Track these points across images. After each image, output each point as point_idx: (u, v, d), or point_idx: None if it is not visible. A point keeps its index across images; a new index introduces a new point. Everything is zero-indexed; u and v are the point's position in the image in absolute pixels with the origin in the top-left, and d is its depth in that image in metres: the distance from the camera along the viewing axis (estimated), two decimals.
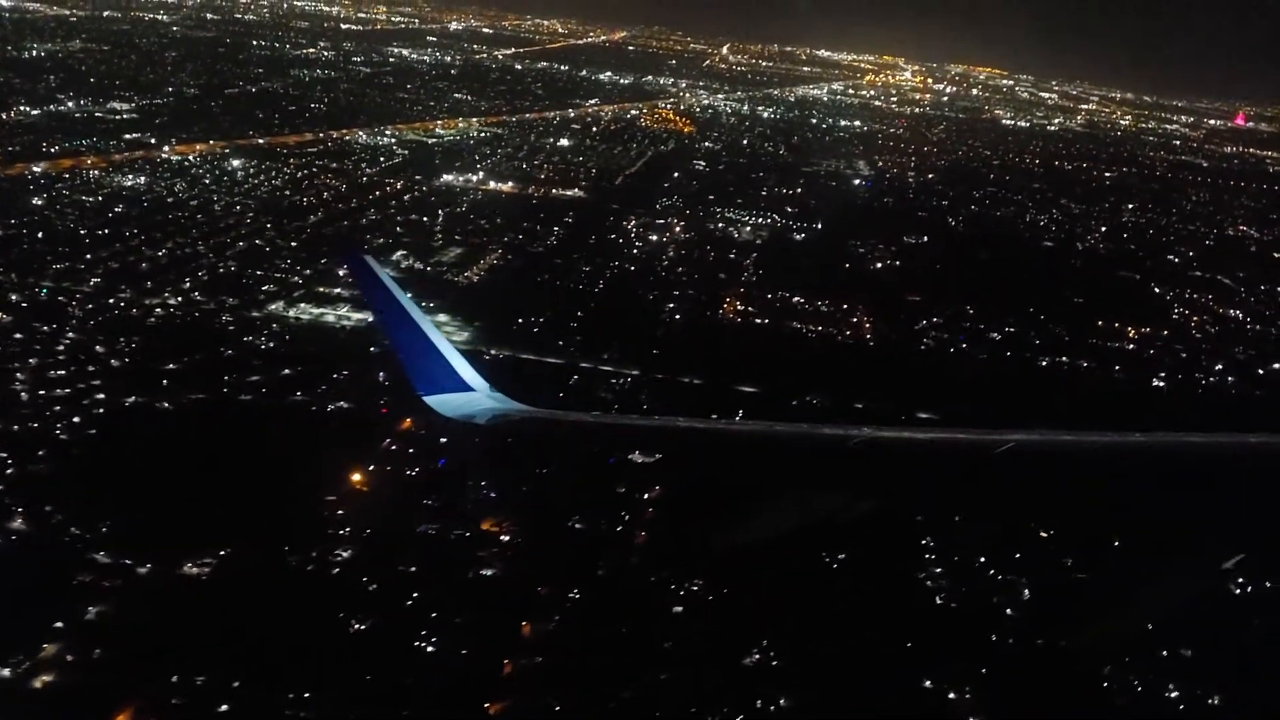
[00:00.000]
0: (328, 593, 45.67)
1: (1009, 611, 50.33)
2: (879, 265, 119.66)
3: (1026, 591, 51.23)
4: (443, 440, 60.88)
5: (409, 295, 15.22)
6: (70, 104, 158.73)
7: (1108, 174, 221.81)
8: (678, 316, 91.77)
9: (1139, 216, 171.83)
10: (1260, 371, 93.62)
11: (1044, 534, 50.47)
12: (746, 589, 49.76)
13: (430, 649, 42.88)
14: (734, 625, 47.31)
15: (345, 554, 48.72)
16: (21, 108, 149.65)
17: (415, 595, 45.99)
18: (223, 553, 46.69)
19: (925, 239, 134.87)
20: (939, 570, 52.88)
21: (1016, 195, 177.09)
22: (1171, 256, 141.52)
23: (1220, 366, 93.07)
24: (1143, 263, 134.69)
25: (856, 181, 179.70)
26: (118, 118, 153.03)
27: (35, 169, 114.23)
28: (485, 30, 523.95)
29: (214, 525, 48.55)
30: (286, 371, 68.72)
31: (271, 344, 73.86)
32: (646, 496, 58.57)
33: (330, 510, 51.92)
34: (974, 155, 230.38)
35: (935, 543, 56.22)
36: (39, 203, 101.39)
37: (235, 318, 77.90)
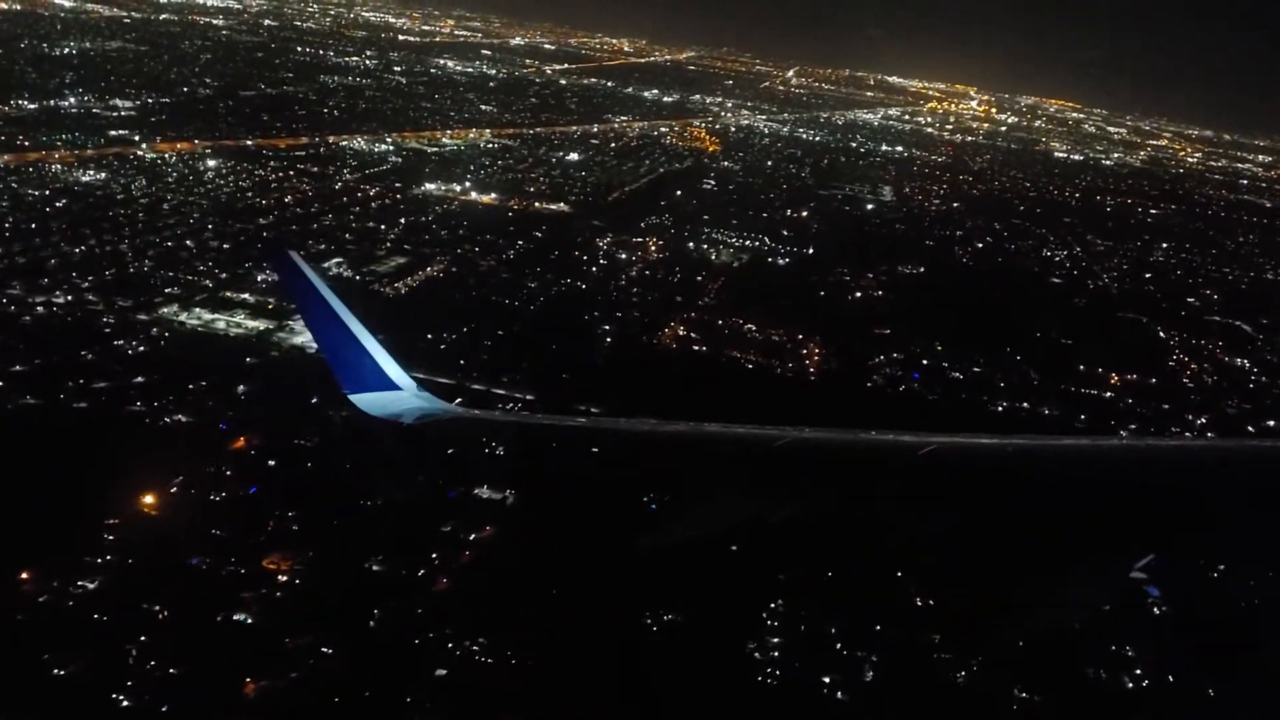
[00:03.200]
0: (44, 626, 40.91)
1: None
2: (857, 295, 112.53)
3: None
4: (269, 463, 56.73)
5: (336, 293, 14.72)
6: (72, 100, 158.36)
7: (1152, 211, 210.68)
8: (608, 340, 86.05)
9: (1170, 256, 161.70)
10: (1249, 428, 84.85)
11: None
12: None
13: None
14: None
15: (88, 584, 43.89)
16: (21, 102, 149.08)
17: (143, 639, 40.91)
18: None
19: (921, 270, 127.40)
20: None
21: (1040, 229, 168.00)
22: (1192, 299, 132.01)
23: (1203, 421, 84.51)
24: (1156, 305, 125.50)
25: (871, 207, 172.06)
26: (113, 115, 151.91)
27: None
28: (547, 46, 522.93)
29: None
30: (139, 380, 64.58)
31: (141, 349, 69.83)
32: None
33: (96, 534, 47.16)
34: (1011, 186, 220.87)
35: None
36: None
37: (117, 320, 74.06)
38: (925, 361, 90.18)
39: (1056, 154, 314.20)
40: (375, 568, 47.99)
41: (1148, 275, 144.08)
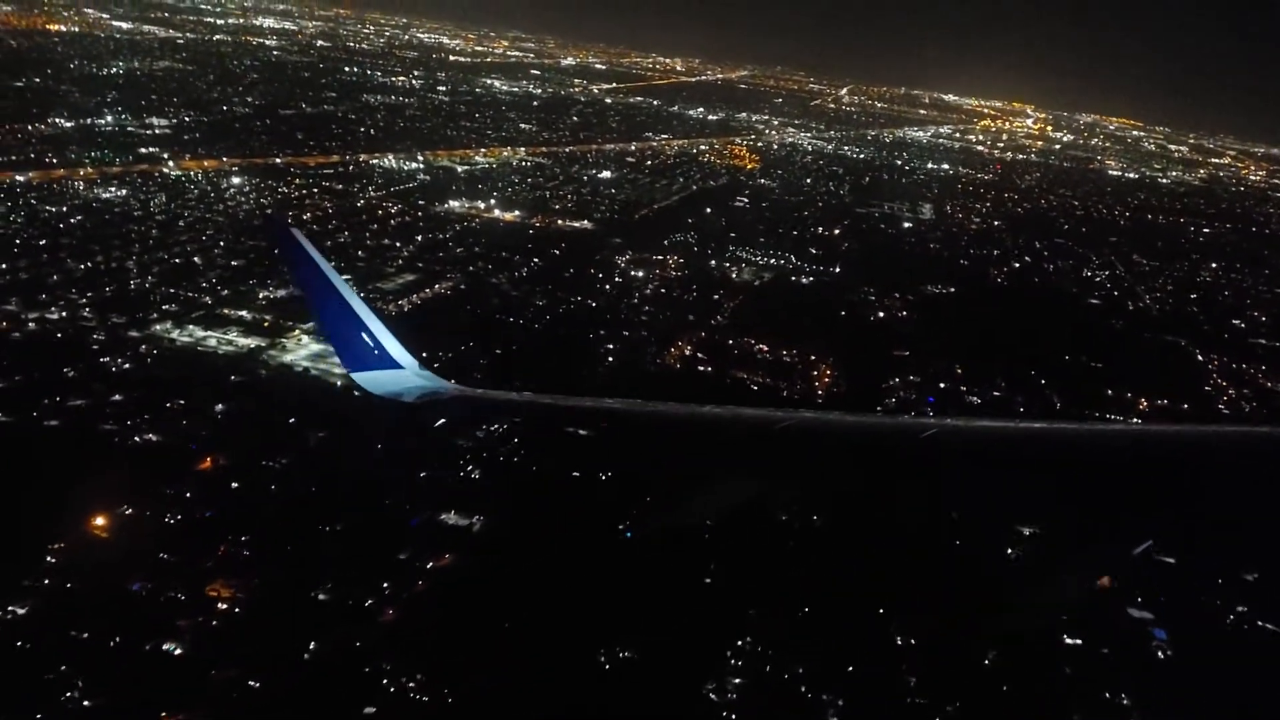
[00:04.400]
0: None
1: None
2: (880, 315, 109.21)
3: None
4: (232, 486, 55.22)
5: (335, 268, 14.58)
6: (109, 118, 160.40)
7: (1205, 230, 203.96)
8: (610, 359, 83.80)
9: (1219, 277, 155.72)
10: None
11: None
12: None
13: None
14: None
15: (18, 609, 42.50)
16: (58, 120, 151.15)
17: (62, 668, 39.34)
18: None
19: (952, 289, 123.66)
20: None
21: (1083, 248, 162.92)
22: (1237, 321, 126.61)
23: None
24: (1198, 327, 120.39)
25: (908, 225, 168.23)
26: (148, 133, 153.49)
27: (21, 178, 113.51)
28: (598, 66, 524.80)
29: None
30: (117, 398, 63.57)
31: (125, 366, 68.94)
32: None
33: (38, 557, 45.83)
34: (1057, 205, 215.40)
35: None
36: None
37: (108, 337, 73.37)
38: (942, 385, 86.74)
39: (1110, 172, 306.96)
40: (322, 597, 46.11)
41: (1192, 296, 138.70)
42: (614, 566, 50.20)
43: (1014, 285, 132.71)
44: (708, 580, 50.20)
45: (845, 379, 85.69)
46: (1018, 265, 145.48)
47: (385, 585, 47.49)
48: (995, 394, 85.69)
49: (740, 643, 45.88)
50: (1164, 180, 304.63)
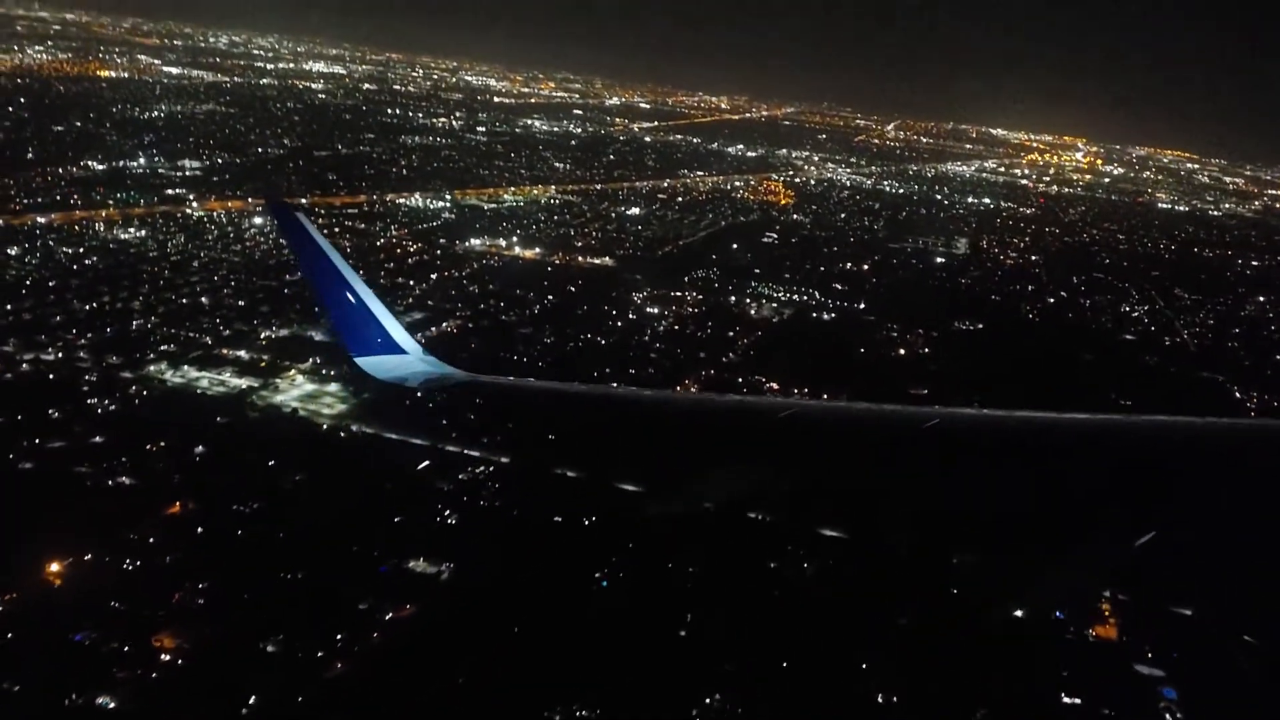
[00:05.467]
0: None
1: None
2: (900, 352, 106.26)
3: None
4: (196, 531, 53.89)
5: (338, 251, 14.56)
6: (142, 160, 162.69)
7: (1254, 264, 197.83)
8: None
9: (1265, 312, 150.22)
10: None
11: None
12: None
13: None
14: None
15: None
16: (91, 163, 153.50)
17: None
18: None
19: (979, 326, 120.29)
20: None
21: (1123, 283, 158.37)
22: None
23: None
24: (1239, 363, 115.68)
25: (940, 260, 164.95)
26: (177, 175, 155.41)
27: (43, 220, 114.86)
28: (642, 105, 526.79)
29: None
30: (97, 439, 62.87)
31: (112, 408, 68.21)
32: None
33: None
34: (1100, 239, 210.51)
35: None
36: (12, 251, 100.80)
37: (100, 378, 72.89)
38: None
39: (1160, 205, 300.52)
40: (270, 649, 44.40)
41: (1234, 331, 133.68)
42: (586, 624, 48.31)
43: (1044, 321, 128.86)
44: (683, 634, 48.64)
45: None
46: (1051, 300, 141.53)
47: (339, 636, 45.73)
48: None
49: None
50: (1215, 213, 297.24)
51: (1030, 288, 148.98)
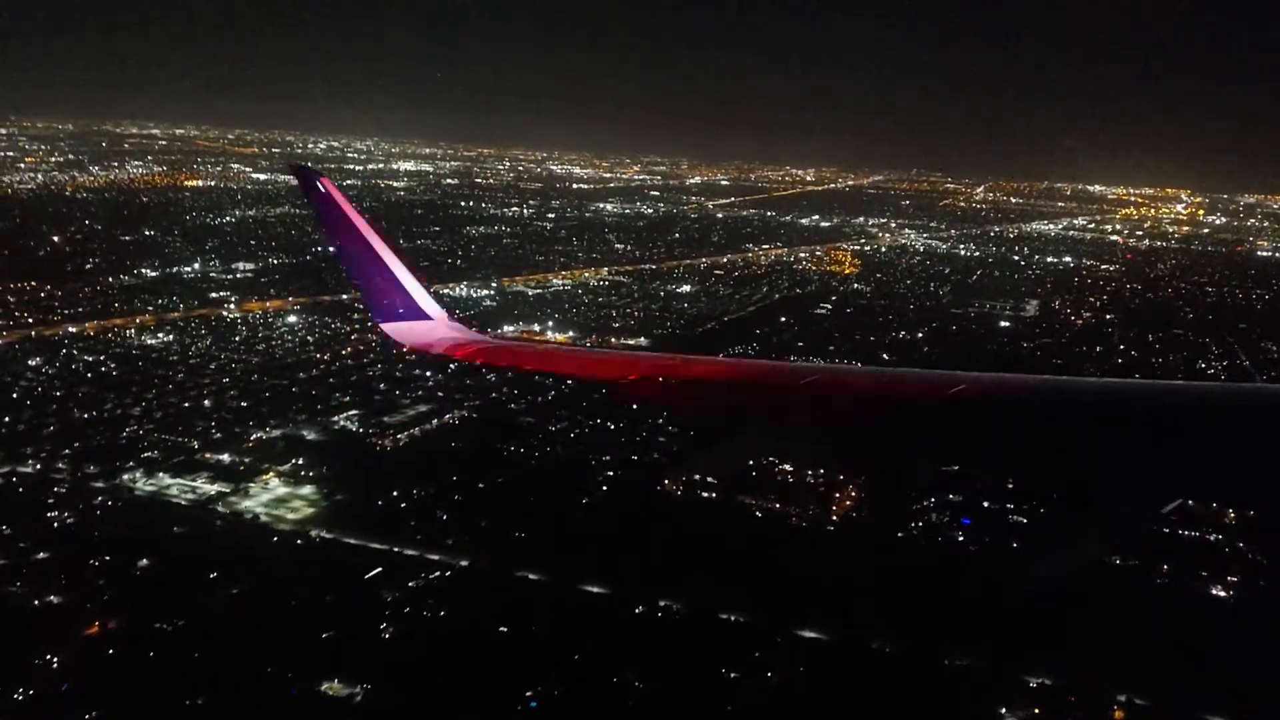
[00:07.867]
0: None
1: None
2: None
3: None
4: (108, 653, 50.88)
5: (368, 220, 15.12)
6: (197, 266, 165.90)
7: None
8: (603, 487, 77.54)
9: None
10: None
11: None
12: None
13: None
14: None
15: None
16: (145, 270, 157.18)
17: None
18: None
19: None
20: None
21: (1204, 338, 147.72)
22: None
23: None
24: None
25: (1005, 324, 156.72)
26: (227, 278, 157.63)
27: (74, 329, 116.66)
28: (723, 183, 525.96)
29: None
30: (42, 555, 60.98)
31: (70, 521, 66.61)
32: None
33: None
34: (1185, 293, 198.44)
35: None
36: (34, 361, 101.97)
37: (70, 489, 71.64)
38: (986, 503, 76.38)
39: (1259, 254, 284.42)
40: None
41: None
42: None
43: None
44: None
45: (871, 502, 76.63)
46: (1120, 360, 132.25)
47: None
48: (1042, 511, 74.96)
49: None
50: None
51: (1098, 349, 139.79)
